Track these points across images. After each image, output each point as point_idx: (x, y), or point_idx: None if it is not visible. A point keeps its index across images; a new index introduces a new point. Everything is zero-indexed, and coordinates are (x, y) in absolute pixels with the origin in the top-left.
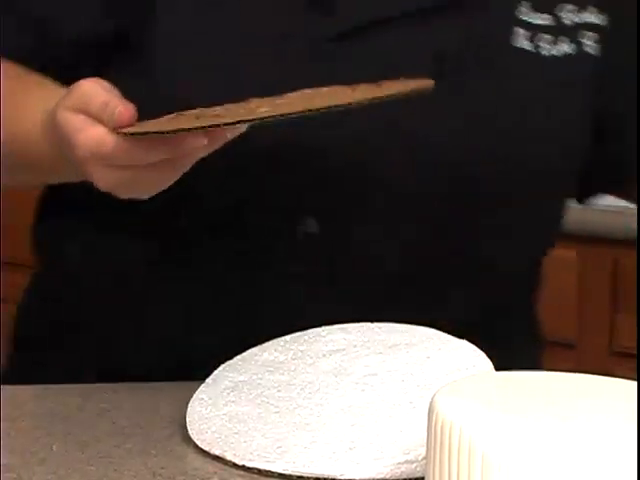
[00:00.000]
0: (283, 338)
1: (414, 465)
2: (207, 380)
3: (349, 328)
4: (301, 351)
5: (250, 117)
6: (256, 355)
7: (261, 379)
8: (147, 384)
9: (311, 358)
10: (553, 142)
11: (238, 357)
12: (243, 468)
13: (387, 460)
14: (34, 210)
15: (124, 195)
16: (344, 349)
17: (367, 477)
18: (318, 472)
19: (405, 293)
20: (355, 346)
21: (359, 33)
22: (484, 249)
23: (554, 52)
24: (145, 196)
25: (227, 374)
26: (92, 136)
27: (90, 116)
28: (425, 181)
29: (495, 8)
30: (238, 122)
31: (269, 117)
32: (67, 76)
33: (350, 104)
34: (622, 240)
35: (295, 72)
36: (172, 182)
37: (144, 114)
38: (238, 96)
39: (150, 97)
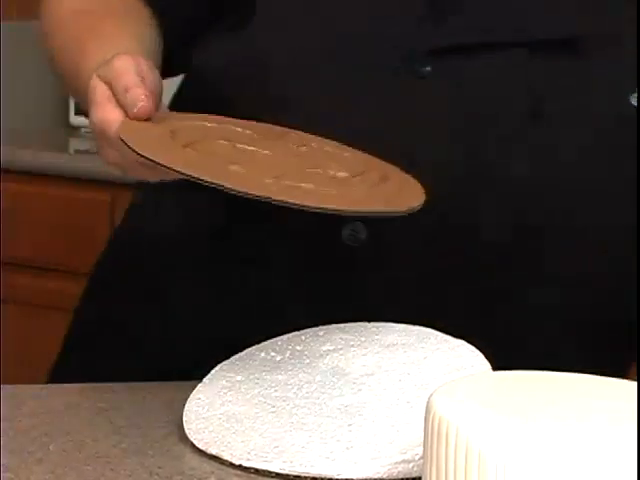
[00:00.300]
0: (280, 337)
1: (411, 465)
2: (204, 380)
3: (346, 327)
4: (298, 350)
5: (255, 192)
6: (253, 354)
7: (258, 379)
8: (144, 384)
9: (308, 358)
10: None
11: (235, 357)
12: (240, 468)
13: (384, 460)
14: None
15: (125, 175)
16: (341, 349)
17: (364, 477)
18: (315, 472)
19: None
20: (352, 346)
21: (461, 51)
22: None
23: None
24: (151, 179)
25: (224, 374)
26: (104, 115)
27: (113, 93)
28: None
29: (618, 58)
30: (238, 192)
31: (274, 200)
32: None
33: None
34: None
35: (381, 80)
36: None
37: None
38: (318, 93)
39: (241, 62)
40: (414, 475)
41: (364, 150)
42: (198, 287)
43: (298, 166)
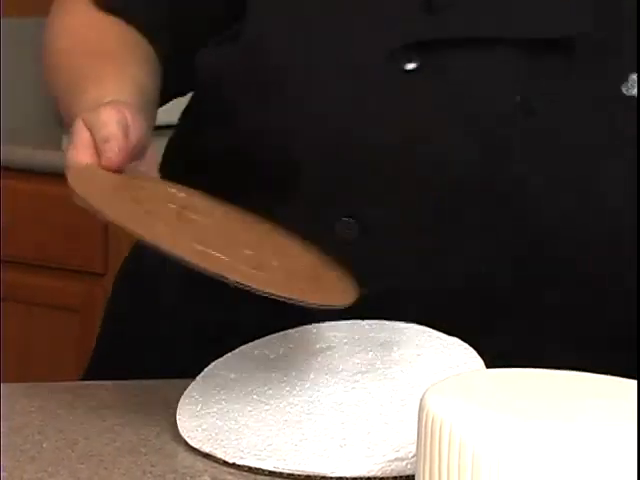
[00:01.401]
0: (273, 335)
1: (405, 463)
2: (197, 378)
3: (339, 325)
4: (291, 348)
5: (176, 252)
6: (246, 352)
7: (251, 376)
8: (137, 382)
9: (302, 355)
10: None
11: (228, 355)
12: (234, 466)
13: (378, 458)
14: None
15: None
16: (335, 347)
17: (358, 474)
18: (309, 470)
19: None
20: (346, 343)
21: (448, 45)
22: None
23: None
24: None
25: (217, 372)
26: (78, 158)
27: (94, 140)
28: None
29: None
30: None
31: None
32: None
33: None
34: None
35: (365, 77)
36: None
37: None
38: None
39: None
40: (408, 473)
41: None
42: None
43: (229, 238)
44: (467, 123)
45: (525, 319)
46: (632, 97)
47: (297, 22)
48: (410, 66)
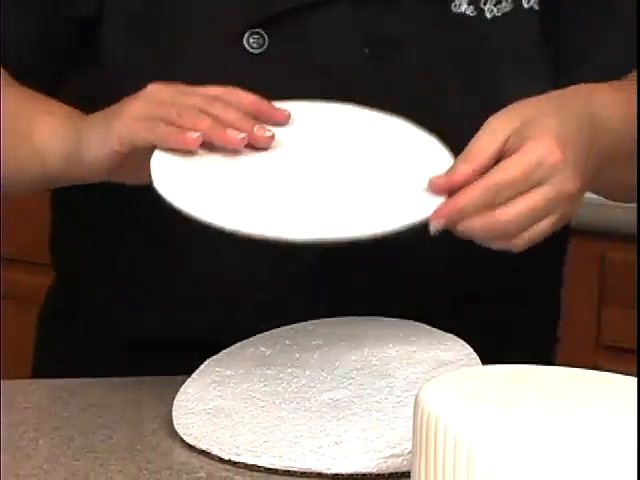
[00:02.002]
0: (269, 332)
1: (400, 459)
2: (193, 375)
3: (336, 322)
4: (287, 345)
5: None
6: (242, 349)
7: (247, 373)
8: (133, 379)
9: (298, 352)
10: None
11: (224, 351)
12: (229, 462)
13: (373, 454)
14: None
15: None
16: (331, 343)
17: (353, 471)
18: (305, 466)
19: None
20: (342, 340)
21: (291, 15)
22: None
23: (496, 13)
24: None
25: (213, 368)
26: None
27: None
28: None
29: None
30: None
31: None
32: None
33: None
34: (609, 234)
35: (227, 55)
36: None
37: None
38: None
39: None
40: (403, 469)
41: None
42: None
43: None
44: (322, 83)
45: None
46: (461, 14)
47: (146, 22)
48: (260, 42)
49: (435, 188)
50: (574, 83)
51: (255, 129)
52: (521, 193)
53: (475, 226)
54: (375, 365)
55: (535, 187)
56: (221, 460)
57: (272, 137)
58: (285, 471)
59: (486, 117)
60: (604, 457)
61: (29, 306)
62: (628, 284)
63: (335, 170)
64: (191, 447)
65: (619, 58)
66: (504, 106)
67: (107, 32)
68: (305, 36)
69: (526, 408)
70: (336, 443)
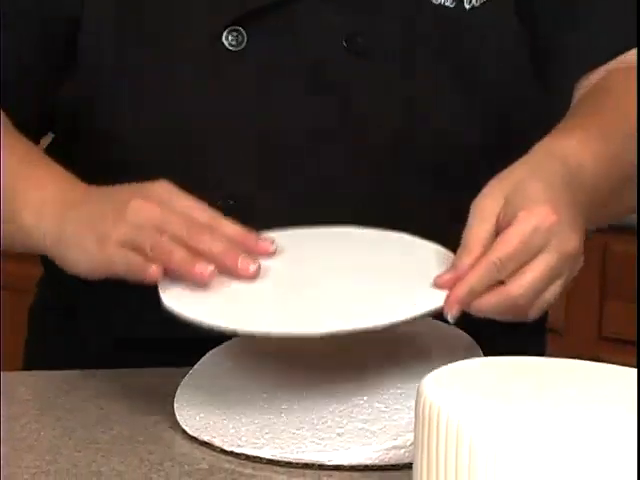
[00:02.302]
0: None
1: (402, 451)
2: (195, 366)
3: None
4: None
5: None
6: (244, 341)
7: (249, 365)
8: (134, 370)
9: (300, 343)
10: (502, 89)
11: (226, 343)
12: (231, 454)
13: (375, 446)
14: None
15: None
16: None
17: (355, 463)
18: (306, 458)
19: None
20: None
21: (269, 11)
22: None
23: (475, 3)
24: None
25: (215, 360)
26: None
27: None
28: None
29: None
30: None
31: None
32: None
33: None
34: (611, 226)
35: (201, 62)
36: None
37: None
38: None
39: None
40: (405, 461)
41: None
42: None
43: None
44: (303, 78)
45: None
46: (441, 5)
47: (129, 22)
48: (239, 39)
49: (442, 285)
50: (554, 70)
51: (239, 263)
52: (526, 262)
53: (488, 305)
54: (380, 356)
55: (537, 255)
56: (223, 451)
57: (257, 270)
58: (287, 463)
59: (469, 107)
60: (605, 448)
61: (29, 298)
62: (630, 276)
63: (338, 273)
64: (193, 438)
65: (599, 42)
66: (486, 97)
67: (89, 32)
68: (284, 31)
69: (528, 400)
70: (338, 435)
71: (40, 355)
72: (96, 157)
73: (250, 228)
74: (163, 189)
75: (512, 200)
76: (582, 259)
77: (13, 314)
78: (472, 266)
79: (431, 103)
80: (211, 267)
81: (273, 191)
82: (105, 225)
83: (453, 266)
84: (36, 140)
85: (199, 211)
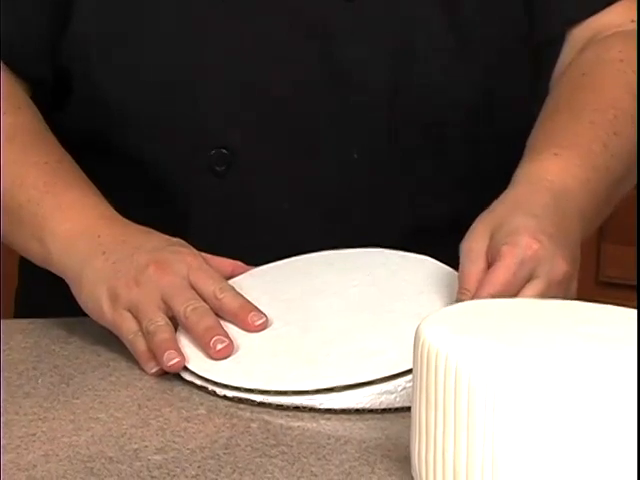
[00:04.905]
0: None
1: (394, 395)
2: None
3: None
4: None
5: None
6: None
7: None
8: None
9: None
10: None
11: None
12: (227, 398)
13: (366, 390)
14: None
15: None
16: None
17: (346, 407)
18: (297, 402)
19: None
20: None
21: None
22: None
23: None
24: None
25: None
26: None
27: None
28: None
29: None
30: None
31: None
32: None
33: None
34: None
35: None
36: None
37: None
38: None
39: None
40: (397, 405)
41: None
42: None
43: None
44: (291, 25)
45: None
46: None
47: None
48: None
49: None
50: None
51: (211, 342)
52: (516, 294)
53: None
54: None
55: (526, 284)
56: (216, 395)
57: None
58: (278, 405)
59: (457, 60)
60: (604, 385)
61: None
62: (628, 220)
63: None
64: (190, 384)
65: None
66: (474, 52)
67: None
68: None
69: (526, 340)
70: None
71: (32, 305)
72: (83, 119)
73: (243, 182)
74: (178, 258)
75: (497, 237)
76: (575, 282)
77: (13, 263)
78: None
79: (418, 55)
80: (175, 359)
81: (260, 143)
82: (119, 284)
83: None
84: (57, 106)
85: (205, 283)
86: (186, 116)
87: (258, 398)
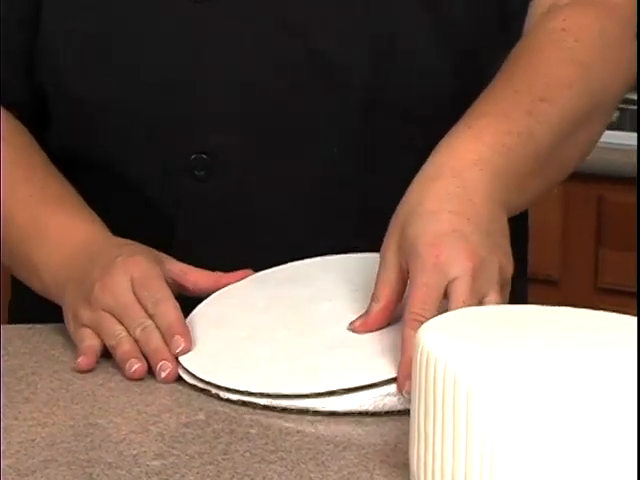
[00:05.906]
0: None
1: (397, 398)
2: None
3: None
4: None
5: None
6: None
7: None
8: None
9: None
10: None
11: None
12: (229, 402)
13: (369, 393)
14: None
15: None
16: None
17: (350, 409)
18: (301, 404)
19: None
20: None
21: None
22: None
23: None
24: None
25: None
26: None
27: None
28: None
29: None
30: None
31: None
32: None
33: None
34: (607, 176)
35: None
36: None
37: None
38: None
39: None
40: (400, 408)
41: None
42: None
43: None
44: (274, 28)
45: None
46: None
47: None
48: None
49: (355, 330)
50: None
51: (158, 367)
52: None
53: None
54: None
55: (449, 287)
56: (219, 398)
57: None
58: (282, 409)
59: (438, 44)
60: (602, 392)
61: None
62: (626, 226)
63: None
64: (190, 390)
65: None
66: (455, 35)
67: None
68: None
69: (525, 347)
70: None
71: (25, 318)
72: (65, 133)
73: (224, 184)
74: (122, 271)
75: (403, 246)
76: (501, 260)
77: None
78: (380, 311)
79: (400, 38)
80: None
81: (242, 145)
82: (77, 305)
83: (365, 313)
84: (42, 125)
85: (143, 297)
86: (167, 119)
87: (262, 401)
